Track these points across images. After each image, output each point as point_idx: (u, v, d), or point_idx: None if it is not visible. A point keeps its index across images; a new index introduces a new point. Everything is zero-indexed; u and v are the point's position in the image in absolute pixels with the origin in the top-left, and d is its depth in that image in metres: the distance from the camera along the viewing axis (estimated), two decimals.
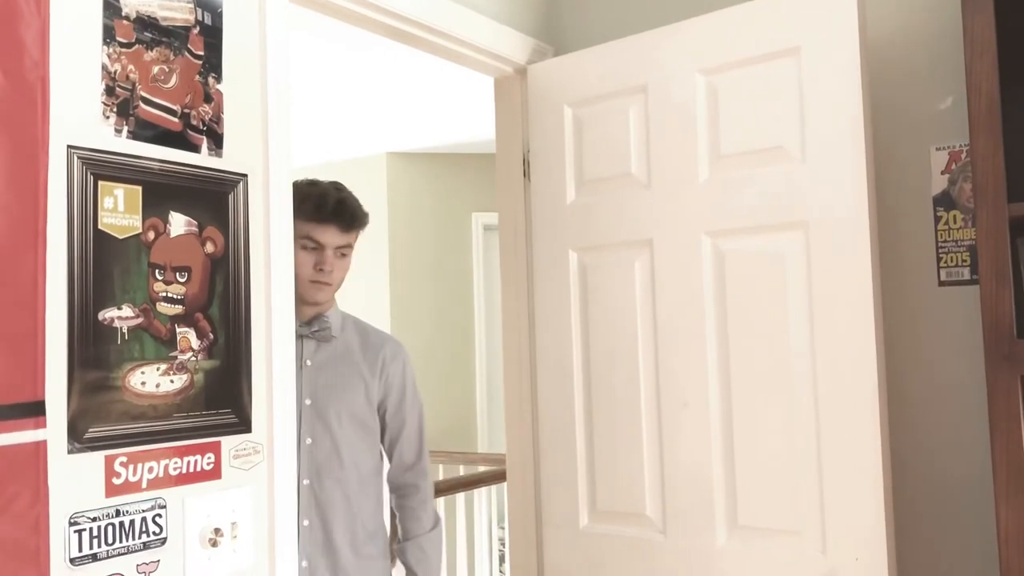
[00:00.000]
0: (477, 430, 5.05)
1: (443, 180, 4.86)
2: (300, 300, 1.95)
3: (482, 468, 4.26)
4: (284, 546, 1.64)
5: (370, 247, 4.80)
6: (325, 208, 1.97)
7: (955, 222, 1.89)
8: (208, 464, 1.54)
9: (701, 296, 1.96)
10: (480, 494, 4.10)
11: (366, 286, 4.81)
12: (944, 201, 1.90)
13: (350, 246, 2.04)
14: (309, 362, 2.02)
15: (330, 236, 1.99)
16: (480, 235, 4.95)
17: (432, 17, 2.05)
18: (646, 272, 2.06)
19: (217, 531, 1.52)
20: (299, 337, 1.95)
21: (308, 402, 1.98)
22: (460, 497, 4.07)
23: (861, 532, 1.73)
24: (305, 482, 1.94)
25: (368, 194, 4.76)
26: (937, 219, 1.91)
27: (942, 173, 1.90)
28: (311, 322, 2.03)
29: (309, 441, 1.96)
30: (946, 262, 1.89)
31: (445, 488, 3.92)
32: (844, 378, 1.76)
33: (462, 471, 4.34)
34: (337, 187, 2.06)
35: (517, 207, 2.39)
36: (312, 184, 2.05)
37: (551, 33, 2.48)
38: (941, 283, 1.90)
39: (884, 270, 1.86)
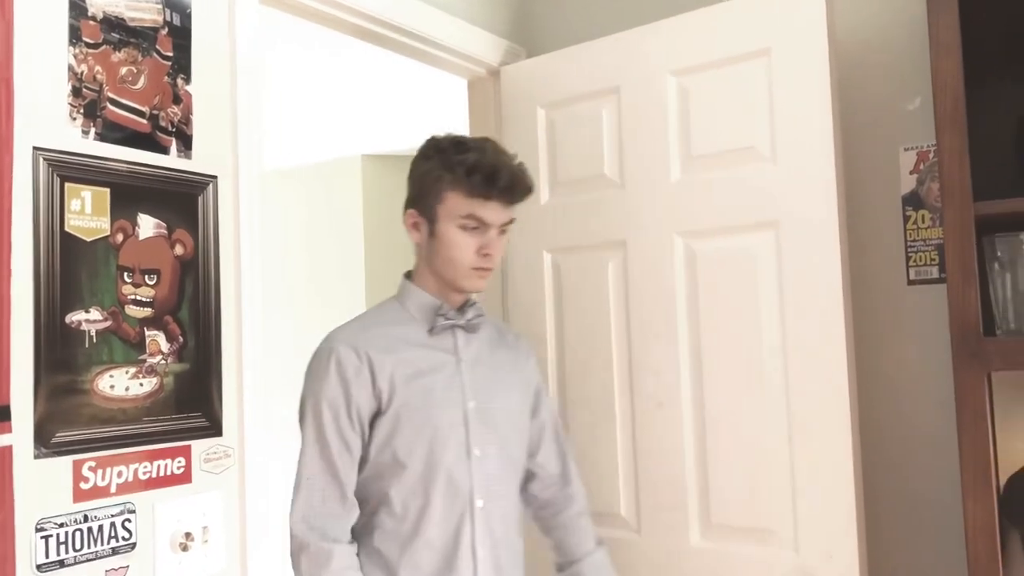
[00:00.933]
0: None
1: None
2: (451, 287, 1.63)
3: None
4: (256, 550, 1.63)
5: (345, 250, 4.78)
6: (496, 183, 1.57)
7: (924, 221, 1.91)
8: (178, 468, 1.53)
9: (674, 296, 1.96)
10: None
11: (342, 289, 4.79)
12: (913, 201, 1.92)
13: (512, 221, 1.65)
14: (465, 357, 1.66)
15: (495, 213, 1.59)
16: None
17: (403, 18, 2.05)
18: (620, 273, 2.07)
19: (188, 535, 1.51)
20: (451, 328, 1.65)
21: (472, 404, 1.62)
22: None
23: (833, 529, 1.74)
24: (479, 504, 1.59)
25: (343, 197, 4.78)
26: (906, 218, 1.93)
27: (911, 173, 1.92)
28: (463, 309, 1.68)
29: (478, 453, 1.60)
30: (915, 261, 1.91)
31: None
32: (815, 376, 1.77)
33: None
34: (502, 152, 1.64)
35: None
36: (461, 145, 1.61)
37: (524, 35, 2.48)
38: (910, 282, 1.92)
39: (854, 269, 1.88)
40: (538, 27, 2.49)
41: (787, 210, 1.82)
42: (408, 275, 1.70)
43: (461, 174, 1.55)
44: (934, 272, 1.89)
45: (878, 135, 1.96)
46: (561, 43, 2.30)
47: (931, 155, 1.89)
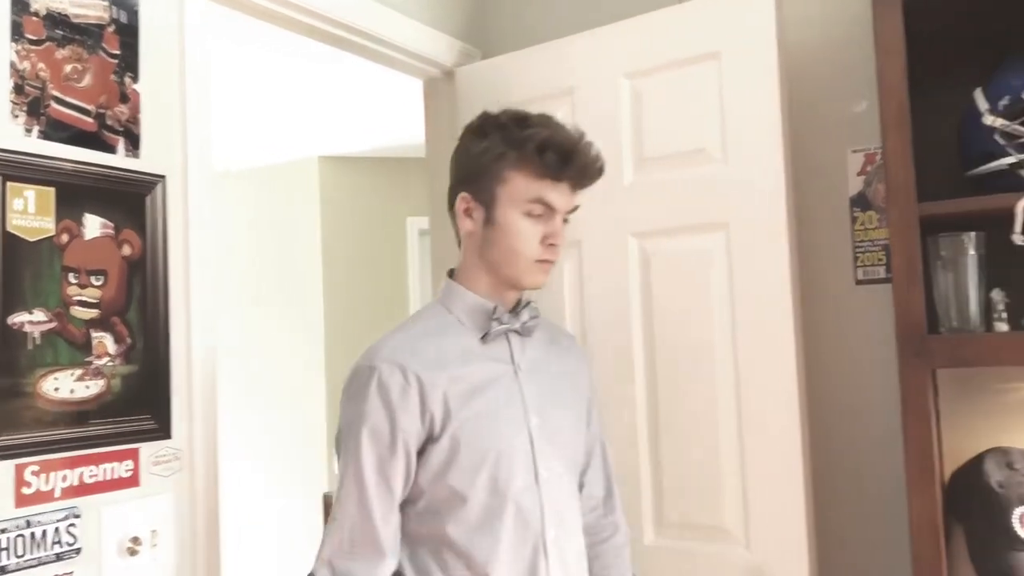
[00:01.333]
0: None
1: (377, 184, 4.83)
2: (508, 283, 1.43)
3: None
4: (207, 554, 1.61)
5: (303, 252, 4.75)
6: (570, 162, 1.38)
7: (871, 222, 1.94)
8: (126, 471, 1.51)
9: (627, 297, 1.98)
10: None
11: (299, 291, 4.76)
12: (860, 202, 1.95)
13: (576, 208, 1.45)
14: (523, 365, 1.45)
15: (564, 198, 1.41)
16: (416, 240, 4.93)
17: (356, 18, 2.04)
18: (574, 273, 2.08)
19: (135, 540, 1.48)
20: (504, 333, 1.44)
21: (535, 420, 1.41)
22: None
23: (784, 526, 1.76)
24: (551, 534, 1.39)
25: (300, 199, 4.75)
26: (854, 219, 1.96)
27: (858, 175, 1.95)
28: (515, 310, 1.47)
29: (546, 476, 1.40)
30: (862, 261, 1.94)
31: None
32: (765, 375, 1.79)
33: None
34: (568, 128, 1.43)
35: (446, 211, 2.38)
36: (524, 121, 1.41)
37: (479, 36, 2.48)
38: (858, 282, 1.95)
39: (803, 269, 1.90)
40: (493, 29, 2.50)
41: (737, 211, 1.84)
42: (451, 273, 1.49)
43: (531, 151, 1.35)
44: (881, 272, 1.92)
45: (826, 137, 1.98)
46: (516, 45, 2.31)
47: (878, 157, 1.92)
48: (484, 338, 1.41)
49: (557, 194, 1.38)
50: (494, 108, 1.45)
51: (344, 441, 1.35)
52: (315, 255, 4.74)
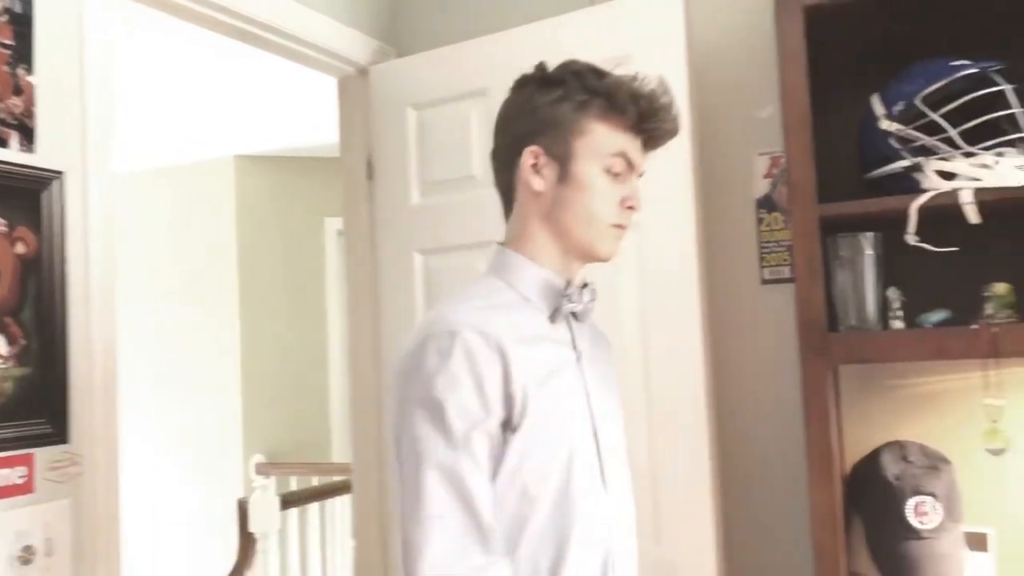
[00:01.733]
0: (332, 440, 4.96)
1: (294, 184, 4.75)
2: (579, 252, 1.25)
3: (337, 478, 4.18)
4: (105, 562, 1.56)
5: (218, 251, 4.65)
6: (658, 116, 1.23)
7: (776, 223, 1.99)
8: (20, 478, 1.45)
9: None
10: (334, 504, 4.04)
11: (214, 291, 4.66)
12: (766, 204, 2.00)
13: (643, 174, 1.30)
14: (583, 352, 1.26)
15: (639, 155, 1.25)
16: (333, 240, 4.87)
17: (268, 15, 2.01)
18: None
19: (28, 549, 1.43)
20: (568, 315, 1.25)
21: (598, 414, 1.25)
22: (314, 507, 4.00)
23: (692, 521, 1.79)
24: (619, 552, 1.21)
25: (215, 199, 4.65)
26: (760, 220, 2.00)
27: (764, 177, 2.00)
28: (578, 288, 1.27)
29: (612, 479, 1.23)
30: (768, 261, 1.99)
31: (297, 499, 3.85)
32: (674, 373, 1.82)
33: (316, 482, 4.25)
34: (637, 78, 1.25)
35: (361, 210, 2.37)
36: (599, 70, 1.24)
37: (394, 35, 2.47)
38: (764, 281, 1.99)
39: (711, 270, 1.94)
40: (408, 28, 2.48)
41: (647, 213, 1.85)
42: (502, 244, 1.29)
43: (624, 99, 1.19)
44: (786, 272, 1.96)
45: (734, 140, 2.03)
46: (432, 44, 2.30)
47: (783, 160, 1.97)
48: (553, 316, 1.23)
49: (636, 150, 1.24)
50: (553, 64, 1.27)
51: (419, 425, 1.09)
52: (231, 254, 4.65)
